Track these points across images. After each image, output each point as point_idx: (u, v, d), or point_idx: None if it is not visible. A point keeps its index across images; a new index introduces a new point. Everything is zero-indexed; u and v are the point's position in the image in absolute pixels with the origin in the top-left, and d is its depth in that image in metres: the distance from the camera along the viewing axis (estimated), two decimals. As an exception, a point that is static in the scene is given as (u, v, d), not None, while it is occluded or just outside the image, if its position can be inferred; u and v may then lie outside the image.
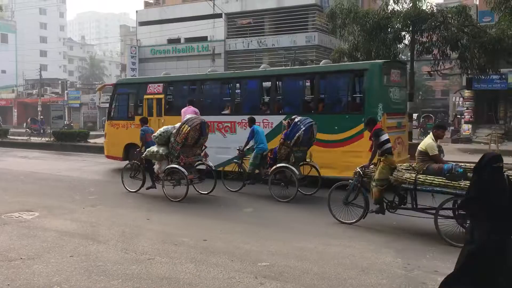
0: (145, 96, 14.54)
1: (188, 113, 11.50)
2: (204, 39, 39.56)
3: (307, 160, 10.68)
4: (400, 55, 19.05)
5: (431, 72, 18.39)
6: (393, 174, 7.54)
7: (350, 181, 8.21)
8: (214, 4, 37.45)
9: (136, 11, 45.26)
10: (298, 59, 31.63)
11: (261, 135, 10.80)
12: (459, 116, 33.13)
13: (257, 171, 10.88)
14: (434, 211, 7.05)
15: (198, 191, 10.69)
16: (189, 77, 16.35)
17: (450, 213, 7.04)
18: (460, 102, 43.07)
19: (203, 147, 10.79)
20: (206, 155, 10.92)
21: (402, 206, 7.66)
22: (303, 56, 33.47)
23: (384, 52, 15.44)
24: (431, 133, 7.53)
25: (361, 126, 10.47)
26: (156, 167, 10.51)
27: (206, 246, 6.60)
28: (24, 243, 6.75)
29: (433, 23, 14.89)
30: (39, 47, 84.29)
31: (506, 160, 16.72)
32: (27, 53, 75.29)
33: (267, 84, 12.90)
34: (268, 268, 5.67)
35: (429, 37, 15.87)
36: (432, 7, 15.62)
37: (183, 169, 9.97)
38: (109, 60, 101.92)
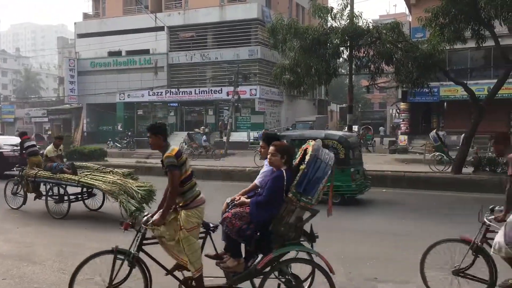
0: None
1: None
2: (146, 52, 39.01)
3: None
4: (340, 69, 19.63)
5: (369, 86, 19.09)
6: (24, 171, 10.57)
7: (16, 177, 11.01)
8: (156, 17, 37.16)
9: (75, 23, 44.06)
10: (241, 72, 31.90)
11: None
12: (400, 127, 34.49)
13: None
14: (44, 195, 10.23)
15: None
16: None
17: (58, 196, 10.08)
18: (397, 114, 45.04)
19: None
20: None
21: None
22: (246, 69, 33.80)
23: (323, 67, 15.84)
24: (53, 143, 10.82)
25: None
26: None
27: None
28: (-50, 267, 6.33)
29: (369, 39, 15.45)
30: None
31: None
32: (-44, 65, 71.27)
33: None
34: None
35: (366, 52, 16.45)
36: (368, 24, 16.18)
37: None
38: (46, 73, 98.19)
